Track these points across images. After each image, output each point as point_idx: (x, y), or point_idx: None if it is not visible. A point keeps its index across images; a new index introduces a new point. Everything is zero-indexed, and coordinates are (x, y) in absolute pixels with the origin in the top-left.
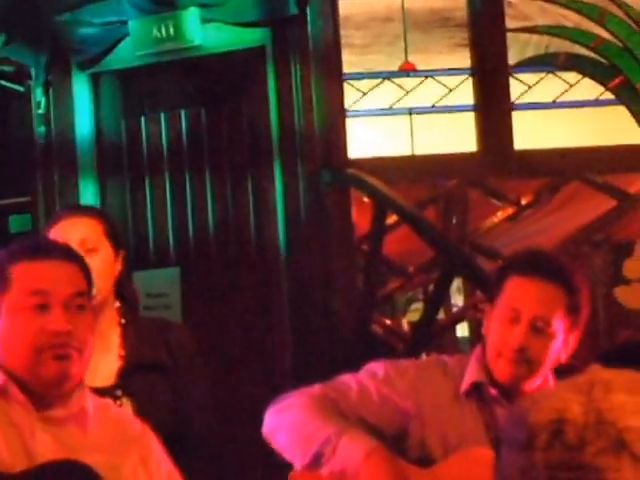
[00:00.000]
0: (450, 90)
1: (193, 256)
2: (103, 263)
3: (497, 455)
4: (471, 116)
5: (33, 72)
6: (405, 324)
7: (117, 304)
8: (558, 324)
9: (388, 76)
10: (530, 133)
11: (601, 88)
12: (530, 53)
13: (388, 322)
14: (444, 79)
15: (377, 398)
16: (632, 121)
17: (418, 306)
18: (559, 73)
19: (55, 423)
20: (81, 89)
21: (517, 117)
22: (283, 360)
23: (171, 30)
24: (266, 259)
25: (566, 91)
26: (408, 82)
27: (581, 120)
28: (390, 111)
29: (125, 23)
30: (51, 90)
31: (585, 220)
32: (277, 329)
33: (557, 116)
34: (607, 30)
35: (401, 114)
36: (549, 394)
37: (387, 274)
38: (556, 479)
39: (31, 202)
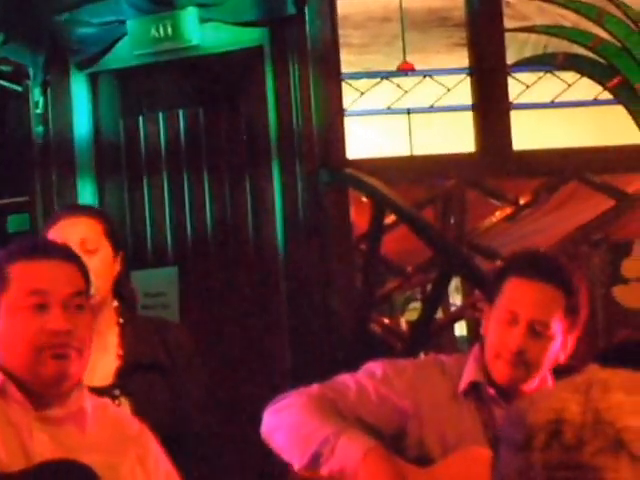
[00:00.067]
0: (448, 90)
1: (191, 256)
2: (102, 263)
3: (495, 455)
4: (469, 116)
5: (31, 72)
6: (403, 323)
7: (115, 304)
8: (557, 326)
9: (386, 76)
10: (528, 133)
11: (599, 88)
12: (528, 53)
13: (386, 321)
14: (442, 79)
15: (375, 398)
16: (630, 121)
17: (416, 305)
18: (557, 73)
19: (53, 423)
20: (79, 89)
21: (515, 117)
22: (281, 360)
23: (169, 30)
24: (264, 259)
25: (564, 91)
26: (406, 82)
27: (579, 120)
28: (388, 111)
29: (123, 23)
30: (49, 90)
31: (583, 220)
32: (275, 329)
33: (555, 116)
34: (605, 30)
35: (399, 114)
36: (547, 394)
37: (385, 274)
38: (554, 479)
39: (29, 202)
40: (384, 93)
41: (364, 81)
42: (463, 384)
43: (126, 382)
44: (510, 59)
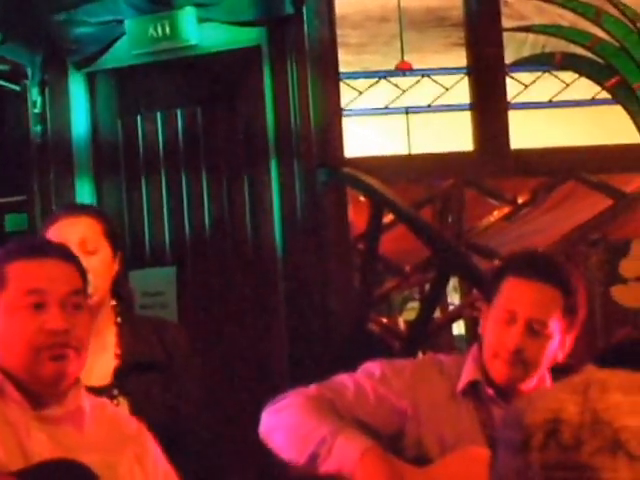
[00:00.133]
0: (446, 89)
1: (189, 255)
2: (102, 263)
3: (493, 455)
4: (467, 115)
5: (29, 71)
6: (401, 323)
7: (113, 303)
8: (554, 325)
9: (384, 75)
10: (526, 132)
11: (597, 88)
12: (526, 52)
13: (385, 321)
14: (440, 78)
15: (373, 398)
16: (628, 120)
17: (414, 305)
18: (555, 72)
19: (51, 422)
20: (77, 88)
21: (513, 116)
22: (280, 359)
23: (167, 29)
24: (262, 258)
25: (562, 90)
26: (404, 81)
27: (578, 120)
28: (386, 110)
29: (121, 22)
30: (47, 89)
31: (581, 219)
32: (274, 328)
33: (553, 115)
34: (603, 30)
35: (397, 113)
36: (544, 394)
37: (384, 273)
38: (552, 479)
39: (27, 201)
40: (382, 93)
41: (362, 81)
42: (461, 384)
43: (124, 382)
44: (508, 59)
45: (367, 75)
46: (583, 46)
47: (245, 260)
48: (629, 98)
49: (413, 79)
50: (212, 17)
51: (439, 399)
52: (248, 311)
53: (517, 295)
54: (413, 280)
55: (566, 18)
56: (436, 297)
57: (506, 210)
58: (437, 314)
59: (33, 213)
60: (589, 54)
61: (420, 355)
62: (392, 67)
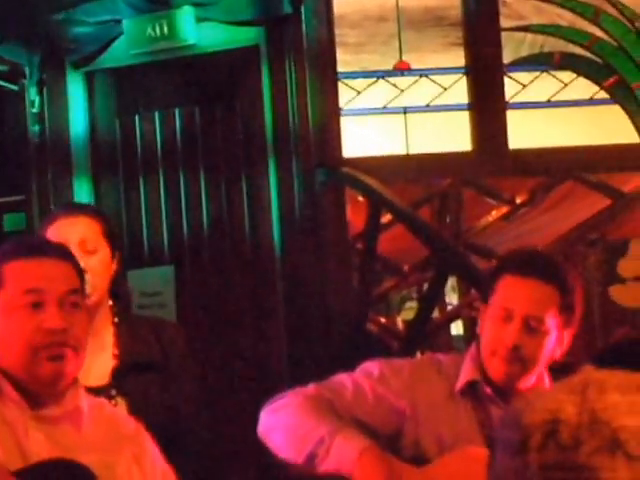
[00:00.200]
0: (445, 89)
1: (187, 255)
2: (100, 264)
3: (491, 456)
4: (466, 115)
5: (27, 71)
6: (399, 323)
7: (110, 303)
8: (551, 322)
9: (382, 75)
10: (525, 132)
11: (596, 87)
12: (525, 52)
13: (383, 320)
14: (438, 78)
15: (372, 398)
16: (627, 120)
17: (412, 305)
18: (554, 72)
19: (49, 422)
20: (75, 88)
21: (512, 116)
22: (278, 359)
23: (165, 29)
24: (261, 258)
25: (561, 90)
26: (402, 81)
27: (576, 119)
28: (384, 110)
29: (119, 22)
30: (45, 89)
31: (580, 219)
32: (272, 328)
33: (552, 115)
34: (602, 29)
35: (395, 113)
36: (543, 395)
37: (382, 273)
38: (550, 479)
39: (25, 201)
40: (380, 92)
41: (360, 80)
42: (460, 383)
43: (122, 382)
44: (506, 58)
45: (365, 75)
46: (581, 46)
47: (243, 260)
48: (627, 98)
49: (411, 79)
50: (210, 17)
51: (437, 399)
52: (247, 311)
53: (513, 292)
54: (411, 280)
55: (564, 18)
56: (434, 297)
57: (504, 210)
58: (435, 314)
59: (31, 213)
60: (587, 54)
61: (418, 355)
62: (390, 67)
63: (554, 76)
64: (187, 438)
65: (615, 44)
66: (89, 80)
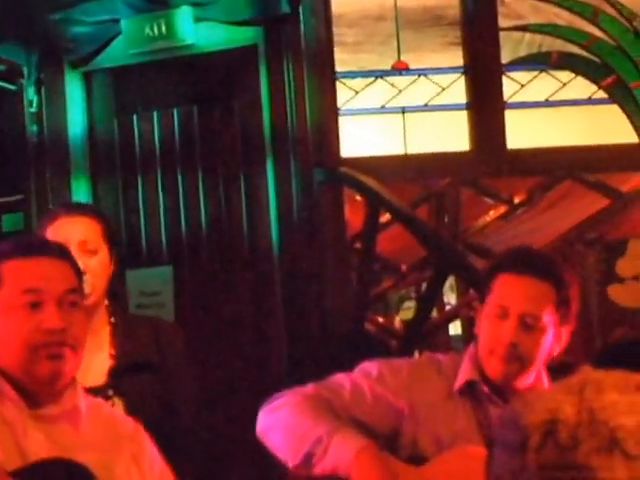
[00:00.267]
0: (443, 89)
1: (186, 254)
2: (100, 264)
3: (490, 456)
4: (464, 115)
5: (25, 71)
6: (397, 322)
7: (106, 302)
8: (548, 319)
9: (381, 75)
10: (523, 132)
11: (594, 87)
12: (523, 52)
13: (381, 320)
14: (437, 78)
15: (370, 397)
16: (625, 120)
17: (410, 304)
18: (552, 72)
19: (47, 421)
20: (73, 87)
21: (510, 116)
22: (277, 358)
23: (163, 29)
24: (259, 257)
25: (559, 90)
26: (401, 81)
27: (574, 119)
28: (383, 110)
29: (117, 22)
30: (43, 89)
31: (578, 219)
32: (271, 327)
33: (550, 115)
34: (600, 29)
35: (394, 113)
36: (541, 395)
37: (380, 272)
38: (549, 479)
39: (24, 200)
40: (378, 92)
41: (358, 80)
42: (458, 383)
43: (119, 382)
44: (505, 58)
45: (363, 74)
46: (580, 45)
47: (242, 260)
48: (626, 97)
49: (410, 78)
50: (208, 16)
51: (436, 398)
52: (245, 310)
53: (509, 290)
54: (410, 279)
55: (563, 17)
56: (433, 296)
57: (502, 209)
58: (434, 314)
59: (30, 212)
60: (586, 53)
61: (417, 355)
62: (388, 66)
63: (552, 76)
64: (185, 438)
65: (613, 44)
66: (87, 80)
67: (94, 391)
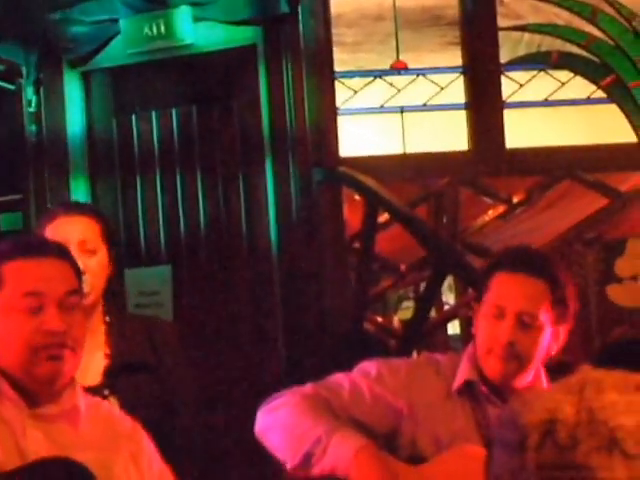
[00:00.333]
0: (442, 88)
1: (185, 254)
2: (99, 264)
3: (489, 455)
4: (463, 114)
5: (24, 70)
6: (396, 322)
7: (101, 302)
8: (544, 317)
9: (379, 74)
10: (522, 131)
11: (593, 86)
12: (522, 51)
13: (380, 320)
14: (436, 77)
15: (369, 397)
16: (624, 119)
17: (409, 304)
18: (551, 71)
19: (46, 420)
20: (72, 87)
21: (509, 115)
22: (276, 358)
23: (162, 28)
24: (258, 257)
25: (558, 89)
26: (399, 80)
27: (573, 118)
28: (382, 109)
29: (116, 21)
30: (42, 88)
31: (577, 218)
32: (269, 327)
33: (549, 114)
34: (599, 28)
35: (392, 112)
36: (540, 395)
37: (379, 272)
38: (548, 479)
39: (22, 200)
40: (377, 92)
41: (357, 80)
42: (457, 383)
43: (114, 382)
44: (504, 58)
45: (362, 74)
46: (579, 45)
47: (241, 259)
48: (624, 97)
49: (408, 78)
50: (207, 16)
51: (435, 398)
52: (244, 309)
53: (505, 290)
54: (409, 279)
55: (562, 17)
56: (431, 296)
57: (501, 209)
58: (432, 313)
59: (28, 212)
60: (585, 53)
61: (415, 354)
62: (387, 66)
63: (551, 75)
64: (185, 437)
65: (612, 43)
66: (86, 79)
67: (90, 391)
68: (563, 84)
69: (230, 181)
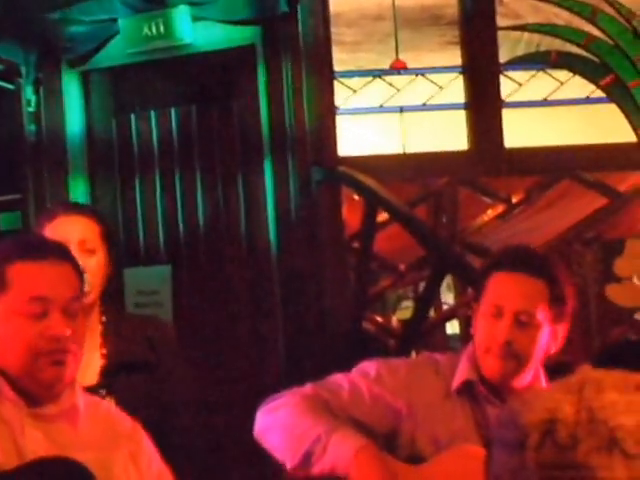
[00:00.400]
0: (441, 88)
1: (184, 254)
2: (98, 264)
3: (488, 455)
4: (462, 114)
5: (23, 70)
6: (395, 322)
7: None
8: (542, 316)
9: (379, 74)
10: (521, 131)
11: (592, 86)
12: (521, 51)
13: (379, 320)
14: (435, 77)
15: (369, 397)
16: (623, 119)
17: (408, 304)
18: (550, 71)
19: (46, 420)
20: (71, 87)
21: (508, 115)
22: (275, 358)
23: (161, 28)
24: (257, 257)
25: (557, 89)
26: (399, 80)
27: (572, 118)
28: (381, 109)
29: (115, 21)
30: (41, 88)
31: (576, 218)
32: (268, 326)
33: (548, 114)
34: (598, 28)
35: (392, 112)
36: (540, 394)
37: (378, 272)
38: (548, 478)
39: (21, 200)
40: (377, 91)
41: (357, 79)
42: (456, 383)
43: (111, 382)
44: (503, 57)
45: (362, 74)
46: (578, 45)
47: (240, 259)
48: (624, 97)
49: (408, 78)
50: (206, 16)
51: (434, 398)
52: (244, 309)
53: (502, 289)
54: (408, 279)
55: (561, 17)
56: (430, 296)
57: (500, 209)
58: (431, 313)
59: (27, 212)
60: (584, 52)
61: (414, 354)
62: (387, 66)
63: (550, 75)
64: (184, 437)
65: (612, 43)
66: (85, 79)
67: (87, 391)
68: (562, 84)
69: (229, 180)
